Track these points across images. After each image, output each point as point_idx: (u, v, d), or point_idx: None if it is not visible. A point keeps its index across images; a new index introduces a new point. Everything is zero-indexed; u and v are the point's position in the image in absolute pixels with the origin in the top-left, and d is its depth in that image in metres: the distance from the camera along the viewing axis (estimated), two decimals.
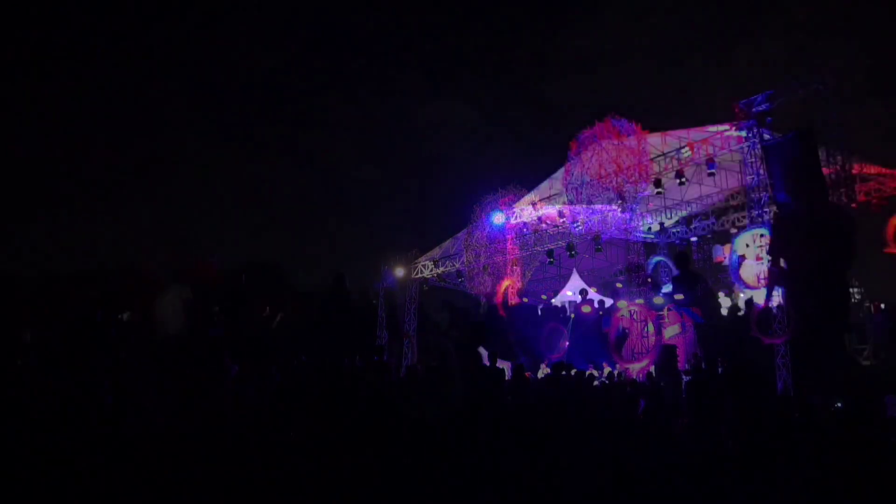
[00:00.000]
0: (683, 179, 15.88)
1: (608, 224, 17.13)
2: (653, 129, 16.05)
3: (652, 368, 12.14)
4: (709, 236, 20.84)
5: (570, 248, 16.88)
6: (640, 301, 15.52)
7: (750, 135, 14.22)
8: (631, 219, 15.73)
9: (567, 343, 17.58)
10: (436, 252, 20.53)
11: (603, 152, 16.64)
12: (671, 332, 15.52)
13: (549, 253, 17.83)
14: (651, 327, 15.07)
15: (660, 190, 16.37)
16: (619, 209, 15.42)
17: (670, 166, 15.90)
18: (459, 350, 8.09)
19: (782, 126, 13.69)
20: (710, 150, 15.01)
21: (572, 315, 20.20)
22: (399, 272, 20.32)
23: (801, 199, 12.68)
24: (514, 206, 20.46)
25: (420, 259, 20.65)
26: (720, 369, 10.67)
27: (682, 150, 15.56)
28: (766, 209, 14.34)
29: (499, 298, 22.23)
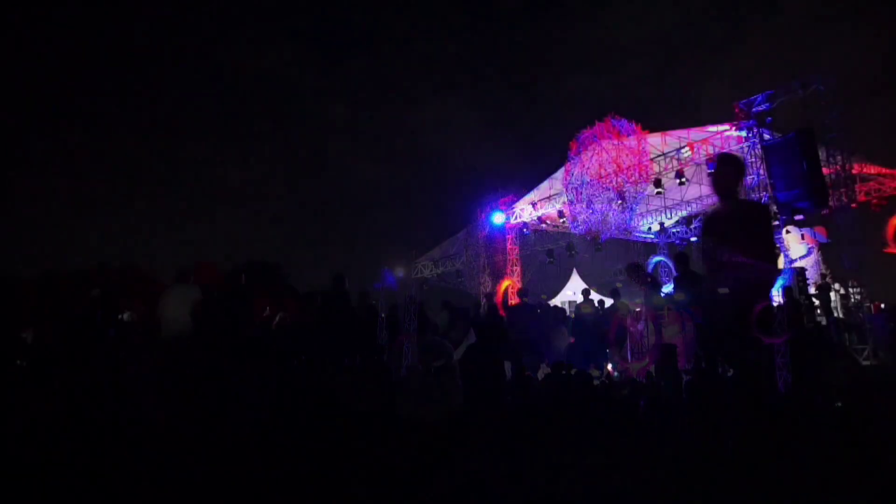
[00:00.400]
0: (683, 179, 15.90)
1: (608, 224, 17.08)
2: (653, 130, 16.07)
3: (652, 368, 12.11)
4: None
5: (570, 248, 16.85)
6: (639, 301, 15.58)
7: (750, 135, 14.25)
8: (631, 219, 15.73)
9: (567, 343, 17.57)
10: (436, 252, 20.57)
11: (603, 152, 16.64)
12: (671, 332, 15.51)
13: (549, 253, 17.80)
14: (651, 327, 15.11)
15: (660, 190, 16.38)
16: (619, 209, 15.41)
17: (670, 166, 15.92)
18: (461, 349, 8.09)
19: (782, 126, 13.73)
20: (710, 150, 15.04)
21: (573, 314, 20.16)
22: (399, 272, 20.41)
23: (802, 199, 12.73)
24: (514, 206, 20.47)
25: (420, 259, 20.67)
26: (720, 369, 10.67)
27: (682, 150, 15.57)
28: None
29: (499, 298, 22.18)
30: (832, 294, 13.55)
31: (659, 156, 16.14)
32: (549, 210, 19.40)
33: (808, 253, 17.43)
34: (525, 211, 20.19)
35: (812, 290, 13.44)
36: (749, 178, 14.57)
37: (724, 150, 14.82)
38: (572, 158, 17.44)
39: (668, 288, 14.26)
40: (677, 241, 21.79)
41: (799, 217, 13.60)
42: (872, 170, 16.72)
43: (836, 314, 13.06)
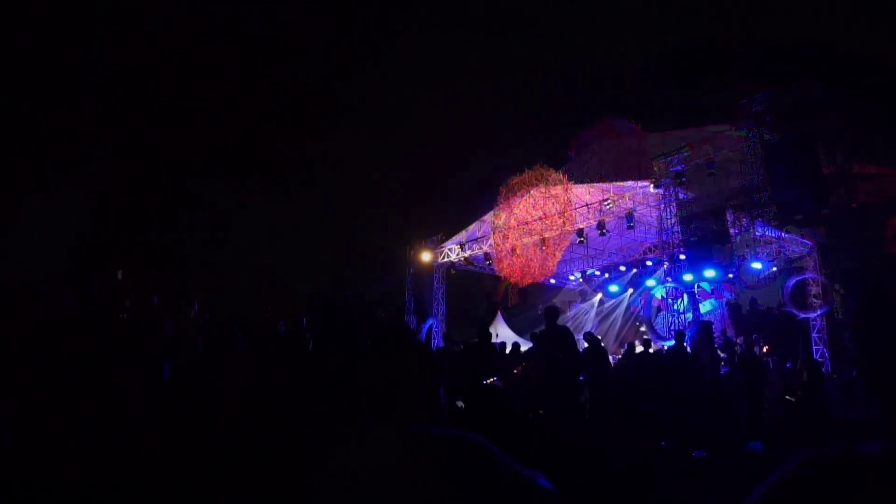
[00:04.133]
0: (604, 231, 16.00)
1: (532, 269, 17.40)
2: (653, 129, 16.15)
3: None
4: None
5: (600, 226, 16.37)
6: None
7: (750, 135, 14.20)
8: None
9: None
10: (462, 236, 20.36)
11: (531, 199, 17.13)
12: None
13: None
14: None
15: (581, 239, 16.69)
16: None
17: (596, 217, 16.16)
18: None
19: (783, 126, 13.70)
20: (711, 152, 15.05)
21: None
22: (425, 257, 20.32)
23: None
24: (443, 245, 20.57)
25: (446, 243, 20.43)
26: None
27: (606, 202, 15.83)
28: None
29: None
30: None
31: (582, 206, 16.40)
32: (477, 251, 19.53)
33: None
34: (453, 251, 20.26)
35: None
36: (748, 179, 14.57)
37: (725, 152, 14.80)
38: (500, 203, 17.71)
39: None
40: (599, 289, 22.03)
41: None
42: (873, 170, 16.68)
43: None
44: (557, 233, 16.59)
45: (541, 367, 6.75)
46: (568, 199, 16.32)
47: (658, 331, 16.15)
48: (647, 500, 4.45)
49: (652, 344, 12.21)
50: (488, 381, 7.55)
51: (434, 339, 13.26)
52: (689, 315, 14.93)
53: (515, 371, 8.51)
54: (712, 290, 16.07)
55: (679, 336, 8.78)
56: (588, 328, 20.60)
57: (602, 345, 9.43)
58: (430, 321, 14.55)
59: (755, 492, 0.73)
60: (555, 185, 16.51)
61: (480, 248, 19.28)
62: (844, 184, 13.11)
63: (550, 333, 6.75)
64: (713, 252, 13.26)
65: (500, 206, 17.69)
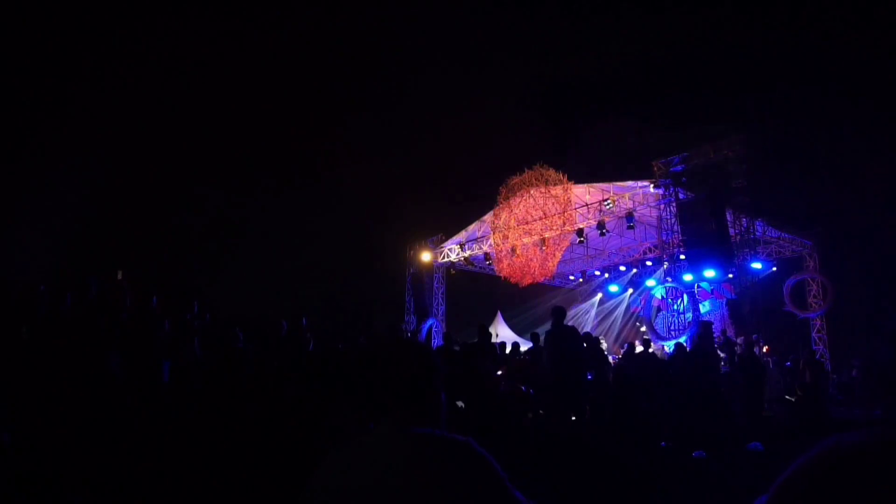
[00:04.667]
0: (605, 231, 16.18)
1: (531, 269, 17.45)
2: (577, 181, 16.61)
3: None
4: None
5: (600, 226, 16.29)
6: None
7: (666, 193, 14.80)
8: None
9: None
10: (462, 236, 20.35)
11: (531, 199, 17.13)
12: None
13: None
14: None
15: (581, 239, 16.79)
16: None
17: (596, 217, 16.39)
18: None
19: (696, 186, 14.31)
20: (629, 204, 15.64)
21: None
22: (425, 257, 20.34)
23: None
24: (442, 245, 20.56)
25: (446, 243, 20.43)
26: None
27: (606, 202, 15.95)
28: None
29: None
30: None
31: (582, 206, 16.47)
32: (476, 251, 19.50)
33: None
34: (453, 251, 20.23)
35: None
36: (663, 235, 15.18)
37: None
38: (500, 203, 17.73)
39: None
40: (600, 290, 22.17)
41: (709, 273, 14.08)
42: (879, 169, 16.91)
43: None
44: (557, 233, 16.59)
45: (549, 366, 6.71)
46: (568, 199, 16.35)
47: (658, 331, 16.16)
48: (647, 500, 4.45)
49: (652, 344, 12.19)
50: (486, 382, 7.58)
51: (434, 339, 13.25)
52: (689, 315, 14.97)
53: (500, 373, 8.48)
54: (712, 290, 16.11)
55: (702, 338, 8.76)
56: (588, 328, 20.61)
57: (602, 345, 9.44)
58: (430, 321, 14.54)
59: (787, 471, 0.72)
60: (555, 185, 16.54)
61: (480, 248, 19.28)
62: (748, 245, 13.58)
63: (559, 333, 6.72)
64: (713, 252, 13.35)
65: (500, 206, 17.69)
